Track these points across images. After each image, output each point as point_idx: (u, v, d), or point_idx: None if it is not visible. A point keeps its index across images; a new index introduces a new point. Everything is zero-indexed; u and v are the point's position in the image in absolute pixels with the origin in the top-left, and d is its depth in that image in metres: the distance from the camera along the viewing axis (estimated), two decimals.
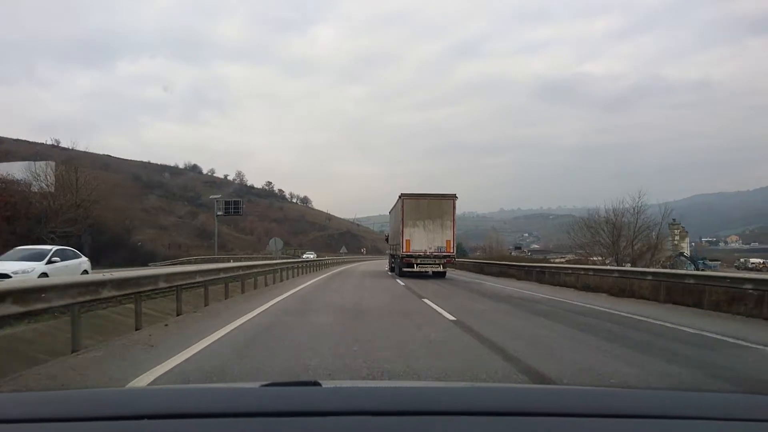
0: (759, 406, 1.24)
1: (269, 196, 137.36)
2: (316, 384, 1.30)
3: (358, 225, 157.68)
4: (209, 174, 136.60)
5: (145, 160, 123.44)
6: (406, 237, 22.47)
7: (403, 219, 22.50)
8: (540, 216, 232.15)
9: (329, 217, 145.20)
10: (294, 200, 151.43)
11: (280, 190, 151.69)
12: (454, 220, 22.36)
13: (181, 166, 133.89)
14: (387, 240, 34.26)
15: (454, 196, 22.48)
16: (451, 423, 1.06)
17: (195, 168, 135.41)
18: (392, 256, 28.12)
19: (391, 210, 29.17)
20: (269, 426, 1.03)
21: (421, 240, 22.34)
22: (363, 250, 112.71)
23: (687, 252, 61.68)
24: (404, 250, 22.37)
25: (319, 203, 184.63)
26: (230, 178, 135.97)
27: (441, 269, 22.37)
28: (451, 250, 22.27)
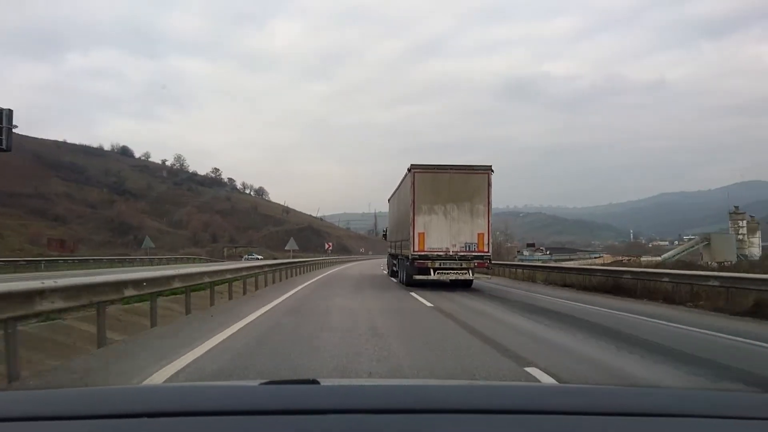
0: (761, 405, 1.26)
1: (215, 184, 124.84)
2: (314, 382, 1.33)
3: (321, 219, 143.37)
4: (143, 158, 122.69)
5: (60, 139, 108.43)
6: (418, 229, 15.56)
7: (413, 203, 15.56)
8: (509, 214, 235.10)
9: (287, 210, 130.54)
10: (247, 191, 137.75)
11: (230, 179, 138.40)
12: (489, 203, 15.68)
13: (107, 147, 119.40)
14: (384, 236, 27.07)
15: (488, 169, 15.80)
16: (451, 421, 1.06)
17: (125, 151, 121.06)
18: (393, 256, 21.19)
19: (392, 196, 22.11)
20: (268, 424, 1.04)
21: (441, 233, 15.51)
22: (362, 250, 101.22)
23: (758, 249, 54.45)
24: (416, 249, 15.47)
25: (276, 197, 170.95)
26: (169, 163, 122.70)
27: (469, 276, 15.69)
28: (486, 249, 15.61)
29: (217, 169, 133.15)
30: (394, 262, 21.15)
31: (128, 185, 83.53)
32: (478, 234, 15.52)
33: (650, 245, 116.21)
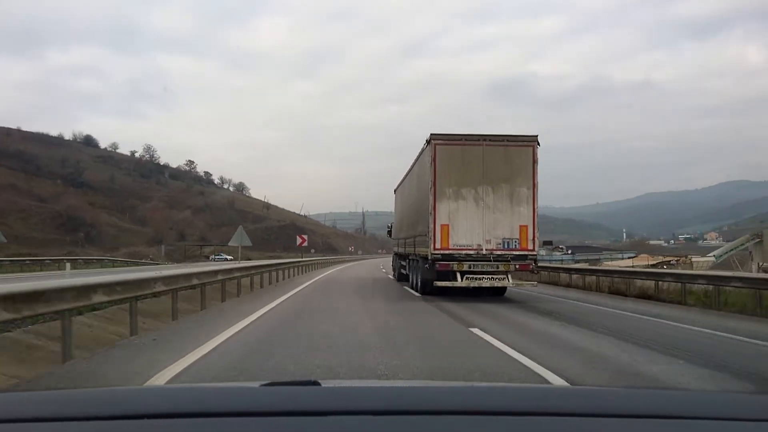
0: (762, 406, 1.26)
1: (189, 178, 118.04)
2: (315, 383, 1.31)
3: (305, 217, 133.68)
4: (109, 149, 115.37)
5: (14, 126, 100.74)
6: (440, 220, 11.77)
7: (434, 185, 11.77)
8: None
9: (267, 206, 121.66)
10: (226, 186, 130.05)
11: (206, 173, 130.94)
12: (535, 186, 12.01)
13: (68, 136, 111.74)
14: (389, 232, 23.24)
15: (534, 141, 12.10)
16: (451, 422, 1.06)
17: (89, 141, 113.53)
18: (402, 256, 17.45)
19: (400, 184, 18.46)
20: (269, 425, 1.04)
21: (470, 226, 11.76)
22: (351, 248, 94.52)
23: None
24: (437, 246, 11.69)
25: (258, 193, 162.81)
26: (139, 154, 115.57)
27: (507, 282, 11.96)
28: (530, 246, 11.91)
29: (191, 162, 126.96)
30: (403, 263, 17.33)
31: (87, 177, 76.77)
32: (521, 227, 11.80)
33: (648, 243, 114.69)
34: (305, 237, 36.73)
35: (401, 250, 17.80)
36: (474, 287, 11.87)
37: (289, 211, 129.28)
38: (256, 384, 1.36)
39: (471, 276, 11.66)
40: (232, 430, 1.03)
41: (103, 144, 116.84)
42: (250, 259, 55.44)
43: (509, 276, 11.77)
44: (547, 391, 1.74)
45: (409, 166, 15.93)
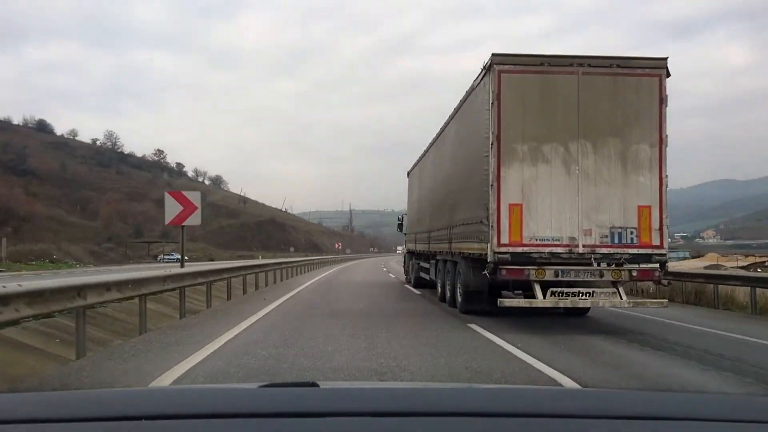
0: (761, 408, 1.26)
1: (156, 168, 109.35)
2: (314, 385, 1.31)
3: (287, 212, 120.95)
4: (67, 136, 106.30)
5: None
6: (508, 196, 7.09)
7: (498, 137, 7.08)
8: None
9: (244, 200, 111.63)
10: (201, 179, 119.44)
11: (178, 164, 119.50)
12: (662, 140, 7.44)
13: (16, 121, 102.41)
14: (399, 226, 18.07)
15: (662, 66, 7.49)
16: (450, 424, 1.06)
17: (42, 126, 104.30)
18: (425, 256, 12.97)
19: (422, 158, 14.01)
20: (267, 427, 1.04)
21: (558, 205, 7.13)
22: (338, 245, 79.62)
23: None
24: (503, 240, 7.02)
25: (236, 187, 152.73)
26: (100, 142, 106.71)
27: (620, 300, 7.16)
28: (656, 240, 7.32)
29: (160, 151, 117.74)
30: (425, 265, 12.86)
31: (32, 164, 69.03)
32: (640, 209, 7.26)
33: None
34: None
35: (422, 247, 13.16)
36: (564, 307, 7.35)
37: (269, 207, 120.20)
38: (254, 385, 1.37)
39: (560, 290, 7.07)
40: (231, 431, 1.03)
41: (61, 131, 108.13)
42: (213, 260, 49.42)
43: (621, 290, 7.22)
44: (548, 393, 1.71)
45: (429, 142, 11.53)
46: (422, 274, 13.35)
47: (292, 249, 72.85)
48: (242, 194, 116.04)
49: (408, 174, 16.42)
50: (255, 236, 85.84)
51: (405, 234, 17.02)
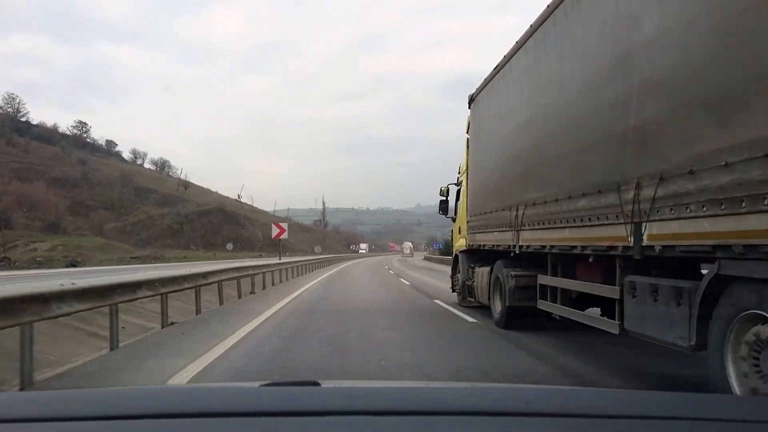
0: (760, 408, 1.29)
1: (71, 143, 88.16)
2: (315, 384, 1.32)
3: (239, 200, 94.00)
4: None
5: None
6: None
7: None
8: None
9: (185, 185, 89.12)
10: (140, 162, 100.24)
11: (108, 141, 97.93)
12: None
13: None
14: (443, 203, 11.20)
15: None
16: (452, 423, 1.07)
17: None
18: (515, 256, 6.66)
19: (494, 75, 7.55)
20: (268, 426, 1.05)
21: None
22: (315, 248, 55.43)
23: None
24: None
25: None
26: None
27: None
28: None
29: (83, 123, 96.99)
30: (525, 274, 6.45)
31: None
32: None
33: None
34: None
35: (530, 240, 6.18)
36: None
37: (220, 195, 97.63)
38: (255, 384, 1.37)
39: None
40: (232, 430, 1.03)
41: None
42: (137, 259, 36.17)
43: None
44: (548, 392, 1.70)
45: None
46: (519, 301, 6.55)
47: (229, 246, 54.25)
48: (184, 177, 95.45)
49: (470, 102, 9.01)
50: (196, 229, 72.42)
51: (453, 219, 11.00)
